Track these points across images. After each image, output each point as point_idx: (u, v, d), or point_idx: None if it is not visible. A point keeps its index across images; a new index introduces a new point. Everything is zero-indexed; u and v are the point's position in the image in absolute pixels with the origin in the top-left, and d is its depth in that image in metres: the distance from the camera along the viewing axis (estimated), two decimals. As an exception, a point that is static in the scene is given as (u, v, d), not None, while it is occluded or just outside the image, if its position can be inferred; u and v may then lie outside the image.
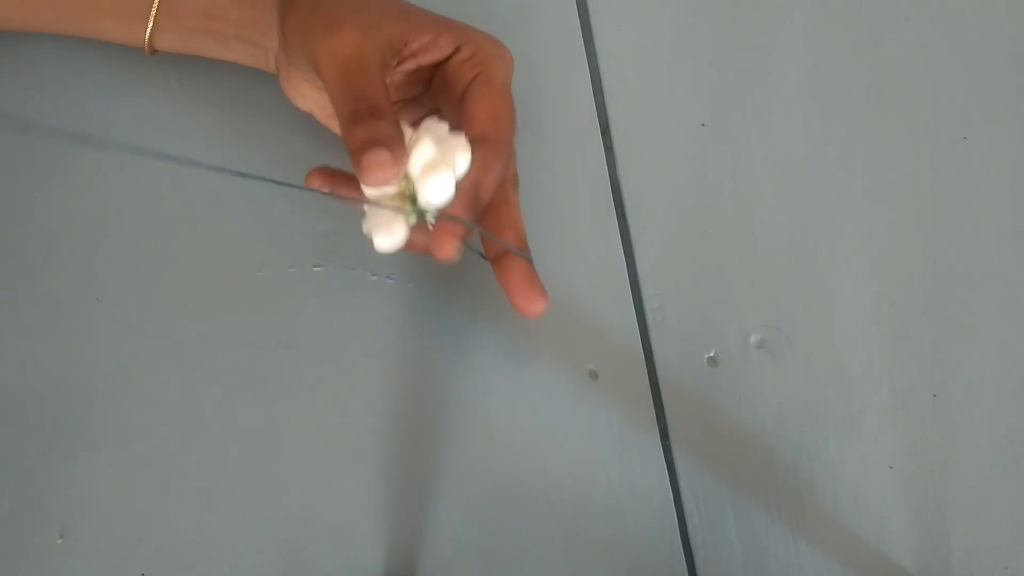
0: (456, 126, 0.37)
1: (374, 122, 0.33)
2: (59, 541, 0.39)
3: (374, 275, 0.43)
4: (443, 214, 0.35)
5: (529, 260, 0.38)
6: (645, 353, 0.43)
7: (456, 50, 0.38)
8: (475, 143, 0.36)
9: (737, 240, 0.44)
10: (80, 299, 0.42)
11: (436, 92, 0.40)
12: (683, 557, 0.41)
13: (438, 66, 0.39)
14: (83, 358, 0.42)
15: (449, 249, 0.35)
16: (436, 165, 0.35)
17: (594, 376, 0.42)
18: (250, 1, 0.39)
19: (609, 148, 0.45)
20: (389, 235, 0.35)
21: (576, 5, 0.47)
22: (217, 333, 0.42)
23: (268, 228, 0.43)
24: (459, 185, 0.35)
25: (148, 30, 0.40)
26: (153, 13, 0.40)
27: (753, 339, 0.43)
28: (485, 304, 0.43)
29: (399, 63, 0.38)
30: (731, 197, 0.44)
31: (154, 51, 0.42)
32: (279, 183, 0.35)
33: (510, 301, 0.38)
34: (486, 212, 0.39)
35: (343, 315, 0.42)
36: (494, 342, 0.42)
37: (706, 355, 0.43)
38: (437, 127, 0.36)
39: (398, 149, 0.33)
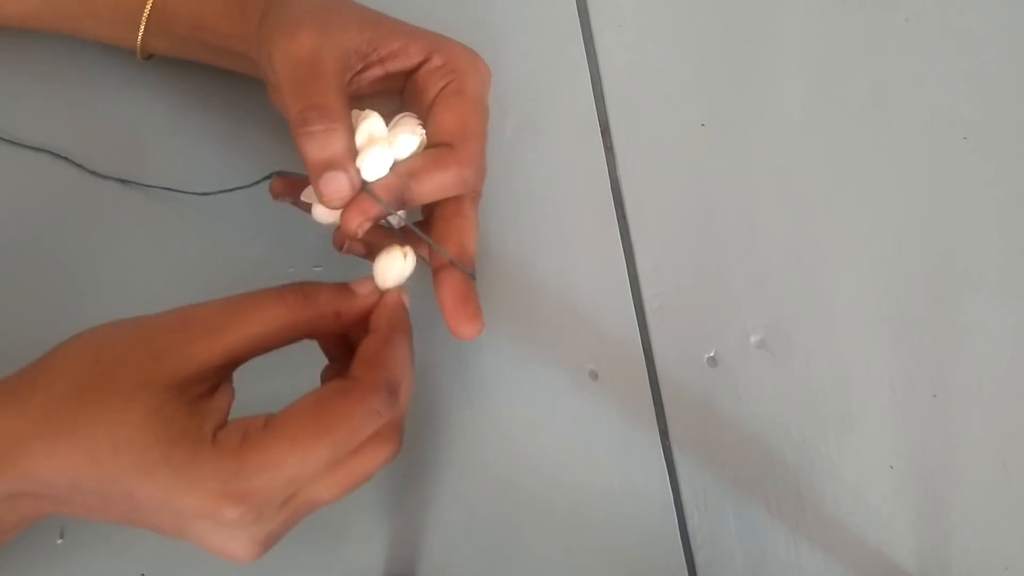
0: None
1: (325, 135, 0.33)
2: (59, 541, 0.39)
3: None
4: (365, 188, 0.34)
5: (471, 277, 0.37)
6: (645, 353, 0.43)
7: (427, 59, 0.37)
8: (437, 147, 0.36)
9: (737, 240, 0.44)
10: (80, 299, 0.42)
11: (407, 101, 0.39)
12: (683, 557, 0.41)
13: (409, 75, 0.38)
14: (83, 358, 0.41)
15: (354, 226, 0.34)
16: (376, 142, 0.34)
17: (594, 376, 0.42)
18: (238, 15, 0.38)
19: (609, 148, 0.45)
20: (329, 211, 0.35)
21: (576, 5, 0.47)
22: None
23: (268, 229, 0.43)
24: (394, 168, 0.35)
25: (139, 36, 0.40)
26: (144, 20, 0.39)
27: (753, 339, 0.43)
28: (485, 305, 0.43)
29: (365, 68, 0.37)
30: (731, 197, 0.44)
31: (149, 56, 0.42)
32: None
33: (444, 319, 0.37)
34: (435, 221, 0.38)
35: (343, 315, 0.42)
36: (494, 342, 0.42)
37: (706, 355, 0.43)
38: (407, 120, 0.36)
39: (352, 167, 0.34)
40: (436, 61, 0.37)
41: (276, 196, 0.39)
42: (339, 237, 0.36)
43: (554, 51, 0.46)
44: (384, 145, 0.34)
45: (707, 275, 0.44)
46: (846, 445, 0.42)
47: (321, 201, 0.34)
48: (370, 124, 0.34)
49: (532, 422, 0.42)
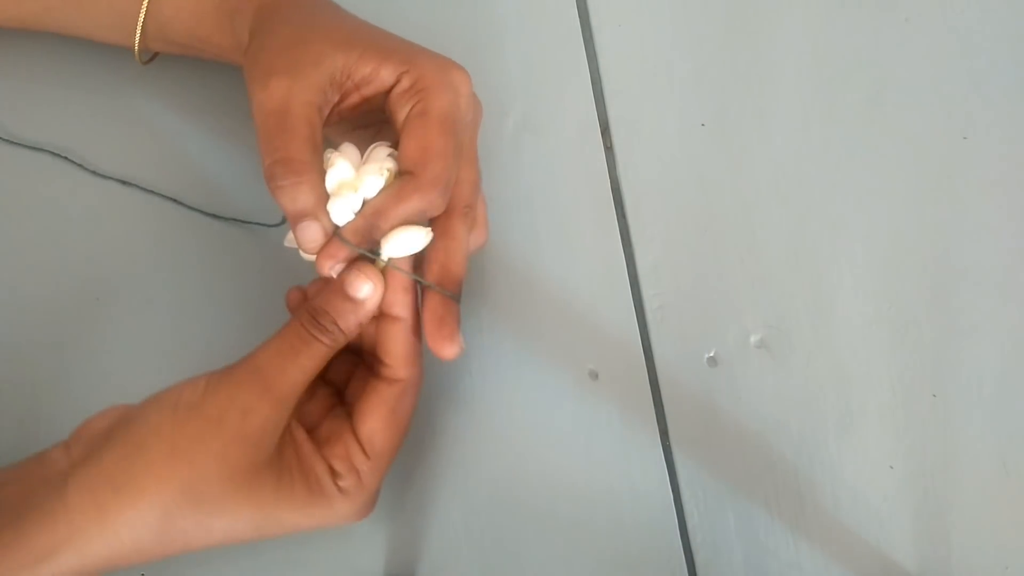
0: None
1: (293, 188, 0.34)
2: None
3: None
4: (336, 233, 0.36)
5: (453, 298, 0.37)
6: (645, 353, 0.43)
7: (397, 80, 0.37)
8: (401, 176, 0.36)
9: (737, 240, 0.44)
10: (80, 299, 0.42)
11: (388, 122, 0.39)
12: (683, 557, 0.41)
13: (387, 95, 0.38)
14: (83, 358, 0.42)
15: (326, 270, 0.36)
16: (343, 187, 0.35)
17: (594, 376, 0.42)
18: (230, 29, 0.38)
19: (609, 148, 0.45)
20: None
21: (576, 5, 0.47)
22: (216, 333, 0.42)
23: (268, 229, 0.43)
24: (362, 209, 0.36)
25: (136, 43, 0.40)
26: (139, 28, 0.40)
27: (753, 339, 0.43)
28: (485, 305, 0.43)
29: (343, 97, 0.37)
30: (731, 197, 0.44)
31: (150, 59, 0.42)
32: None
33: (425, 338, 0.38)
34: None
35: (343, 315, 0.42)
36: (494, 342, 0.42)
37: (706, 355, 0.43)
38: (379, 151, 0.37)
39: (323, 214, 0.35)
40: (404, 83, 0.37)
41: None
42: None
43: (554, 51, 0.46)
44: (350, 191, 0.35)
45: (707, 275, 0.44)
46: (846, 445, 0.42)
47: (300, 247, 0.36)
48: (338, 169, 0.35)
49: (532, 422, 0.42)
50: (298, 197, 0.34)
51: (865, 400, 0.42)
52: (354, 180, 0.35)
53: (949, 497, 0.41)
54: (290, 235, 0.37)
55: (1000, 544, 0.41)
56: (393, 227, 0.36)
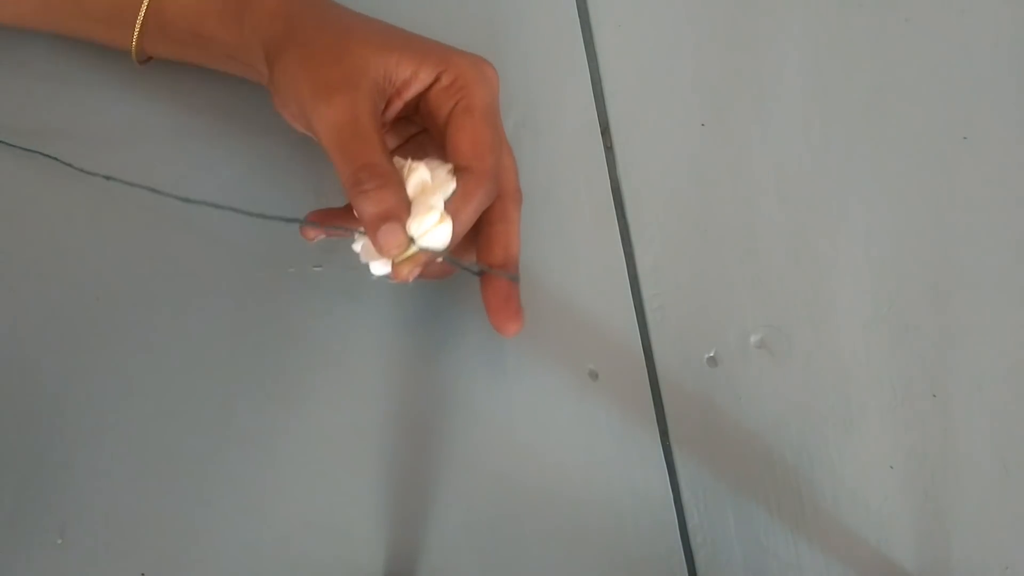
0: (441, 154, 0.38)
1: (379, 191, 0.35)
2: (59, 541, 0.39)
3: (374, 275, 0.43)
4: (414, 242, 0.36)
5: (514, 280, 0.38)
6: (645, 353, 0.43)
7: (436, 79, 0.38)
8: (458, 173, 0.36)
9: (737, 240, 0.44)
10: (80, 299, 0.42)
11: (421, 118, 0.40)
12: (683, 557, 0.41)
13: (421, 94, 0.39)
14: (83, 358, 0.42)
15: (407, 275, 0.36)
16: (425, 190, 0.36)
17: (594, 376, 0.42)
18: (236, 28, 0.38)
19: (609, 148, 0.45)
20: (384, 262, 0.36)
21: (576, 5, 0.47)
22: (217, 333, 0.42)
23: (268, 228, 0.43)
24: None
25: (134, 39, 0.40)
26: (139, 23, 0.40)
27: (753, 339, 0.43)
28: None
29: (387, 106, 0.38)
30: (731, 197, 0.44)
31: (147, 60, 0.42)
32: (280, 219, 0.37)
33: (488, 317, 0.38)
34: (482, 225, 0.39)
35: (343, 315, 0.42)
36: (494, 342, 0.42)
37: (706, 355, 0.43)
38: (432, 163, 0.37)
39: (405, 216, 0.35)
40: (444, 81, 0.38)
41: (312, 237, 0.39)
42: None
43: (554, 51, 0.46)
44: (432, 194, 0.36)
45: (707, 275, 0.44)
46: (846, 445, 0.42)
47: (380, 252, 0.36)
48: (420, 174, 0.36)
49: (532, 422, 0.42)
50: (383, 199, 0.35)
51: (865, 400, 0.42)
52: (434, 184, 0.36)
53: (949, 497, 0.41)
54: (365, 249, 0.37)
55: (1000, 544, 0.41)
56: (466, 225, 0.37)
